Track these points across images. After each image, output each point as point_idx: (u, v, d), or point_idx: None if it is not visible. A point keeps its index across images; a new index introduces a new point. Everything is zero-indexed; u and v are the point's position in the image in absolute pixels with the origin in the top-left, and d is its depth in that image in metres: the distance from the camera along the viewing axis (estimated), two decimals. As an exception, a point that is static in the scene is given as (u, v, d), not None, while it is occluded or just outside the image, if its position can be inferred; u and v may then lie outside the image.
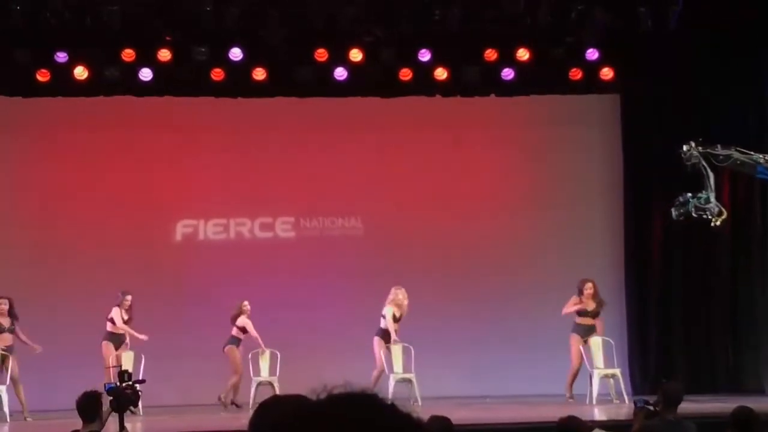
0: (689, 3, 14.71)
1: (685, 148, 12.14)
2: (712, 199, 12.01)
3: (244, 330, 14.50)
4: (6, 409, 13.39)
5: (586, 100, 16.10)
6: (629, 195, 15.81)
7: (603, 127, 16.21)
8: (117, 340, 14.33)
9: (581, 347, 14.37)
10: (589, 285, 14.43)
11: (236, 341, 14.50)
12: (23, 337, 13.78)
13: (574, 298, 14.48)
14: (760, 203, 15.49)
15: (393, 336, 14.30)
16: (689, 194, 12.05)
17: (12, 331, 13.73)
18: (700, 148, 12.05)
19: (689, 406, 11.14)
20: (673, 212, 12.21)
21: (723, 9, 14.86)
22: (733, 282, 15.62)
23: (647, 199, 15.64)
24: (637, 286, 15.82)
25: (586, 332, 14.43)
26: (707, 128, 14.71)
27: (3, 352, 13.58)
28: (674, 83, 15.36)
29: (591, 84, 15.69)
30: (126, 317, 14.32)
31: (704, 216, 12.04)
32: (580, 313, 14.46)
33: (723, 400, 12.00)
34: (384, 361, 14.24)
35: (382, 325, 14.43)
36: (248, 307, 14.53)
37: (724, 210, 12.14)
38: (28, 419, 13.49)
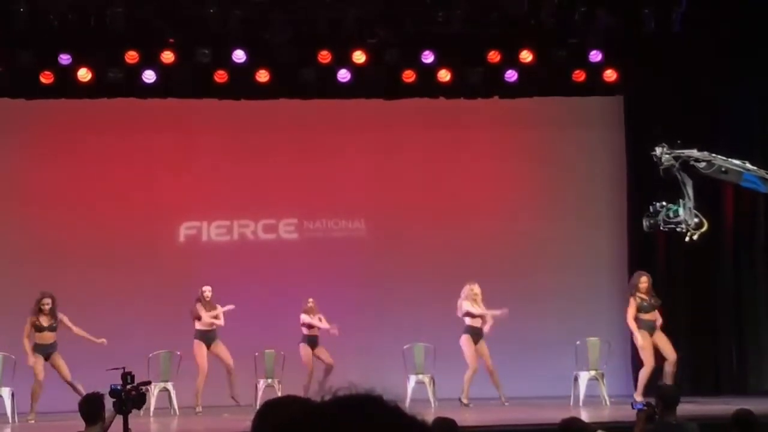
0: (693, 4, 14.70)
1: (657, 151, 11.17)
2: (681, 212, 11.04)
3: (309, 326, 14.52)
4: (8, 411, 13.35)
5: (590, 101, 16.10)
6: (633, 197, 15.78)
7: (606, 129, 16.20)
8: (207, 337, 14.22)
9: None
10: (644, 278, 13.62)
11: (304, 338, 14.50)
12: (79, 331, 13.48)
13: (632, 300, 13.69)
14: (763, 207, 15.46)
15: (478, 313, 14.09)
16: (659, 204, 11.25)
17: (54, 329, 13.46)
18: (674, 151, 11.11)
19: (693, 407, 11.16)
20: (644, 223, 11.41)
21: (727, 10, 14.85)
22: (738, 285, 15.59)
23: (651, 202, 15.59)
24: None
25: (651, 328, 13.76)
26: (711, 130, 14.72)
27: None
28: (678, 85, 15.34)
29: (594, 86, 15.68)
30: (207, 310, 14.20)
31: (677, 229, 11.16)
32: (641, 308, 13.66)
33: (727, 402, 11.96)
34: (473, 359, 14.06)
35: (468, 322, 14.23)
36: (310, 303, 14.53)
37: (704, 221, 11.12)
38: None
